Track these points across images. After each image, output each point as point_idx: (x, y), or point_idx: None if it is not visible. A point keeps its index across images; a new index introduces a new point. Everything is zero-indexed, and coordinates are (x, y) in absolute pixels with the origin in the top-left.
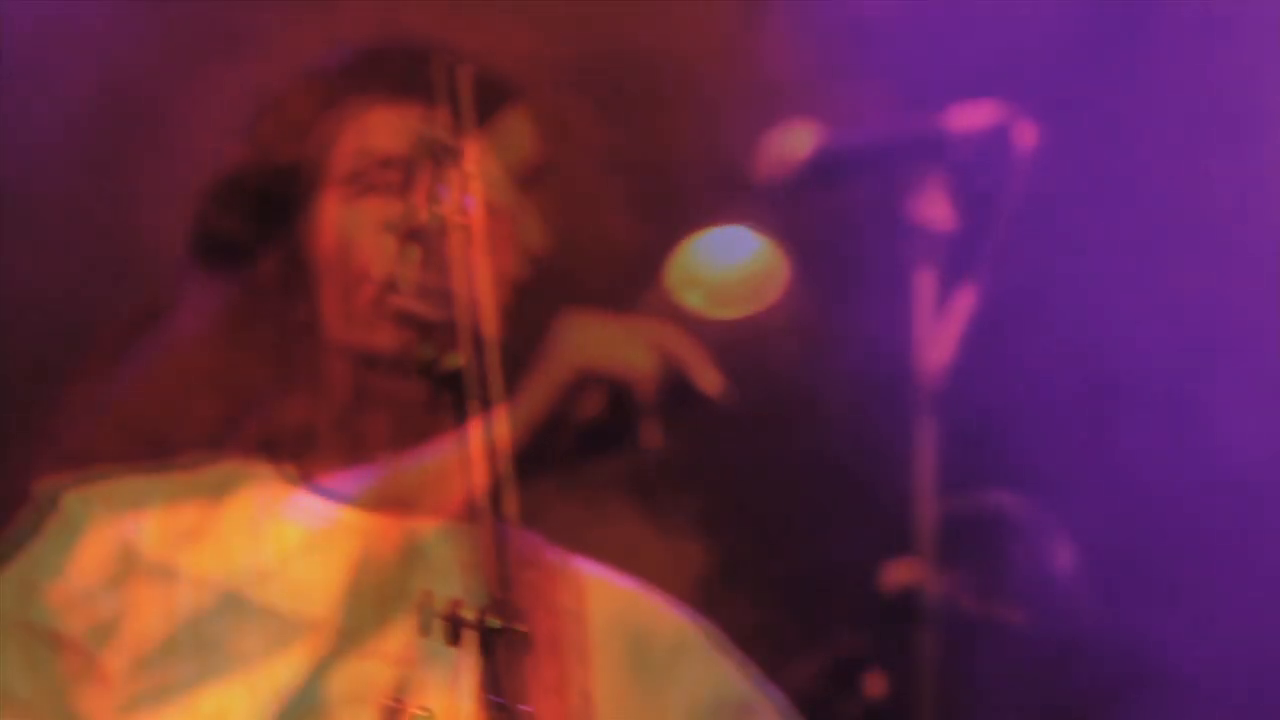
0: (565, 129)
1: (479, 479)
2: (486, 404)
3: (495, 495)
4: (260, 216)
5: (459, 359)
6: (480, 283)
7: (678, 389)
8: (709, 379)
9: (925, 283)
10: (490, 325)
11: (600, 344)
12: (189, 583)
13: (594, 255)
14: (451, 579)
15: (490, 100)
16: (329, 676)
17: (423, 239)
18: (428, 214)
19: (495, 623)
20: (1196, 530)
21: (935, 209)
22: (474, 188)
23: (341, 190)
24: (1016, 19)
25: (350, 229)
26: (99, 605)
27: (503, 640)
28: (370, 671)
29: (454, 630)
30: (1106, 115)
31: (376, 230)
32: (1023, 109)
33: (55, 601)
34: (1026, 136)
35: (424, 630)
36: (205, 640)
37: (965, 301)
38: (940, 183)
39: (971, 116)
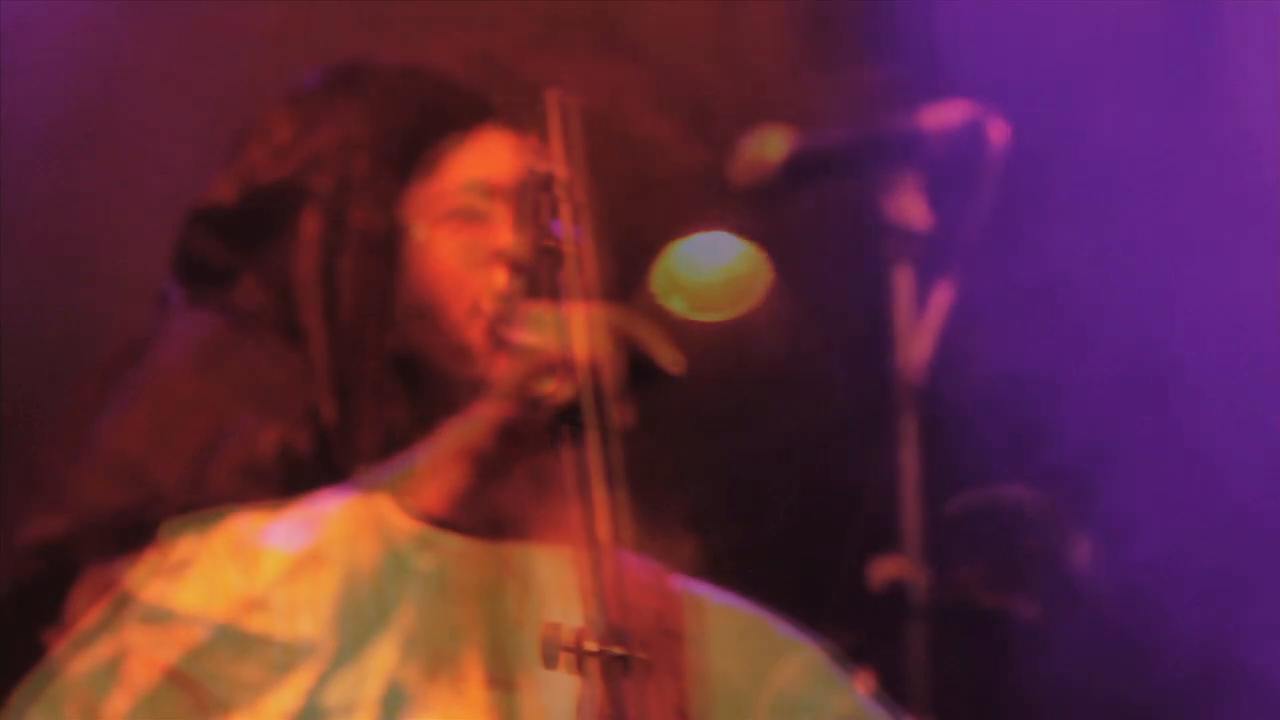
0: (659, 149)
1: (596, 504)
2: (600, 428)
3: (611, 520)
4: (245, 241)
5: (553, 384)
6: (588, 308)
7: (639, 369)
8: (668, 356)
9: (904, 280)
10: (602, 350)
11: (560, 332)
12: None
13: None
14: (558, 604)
15: (469, 117)
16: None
17: (528, 268)
18: (535, 243)
19: (615, 650)
20: (1272, 523)
21: (911, 207)
22: (583, 217)
23: (442, 222)
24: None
25: (453, 260)
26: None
27: (622, 667)
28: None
29: (577, 659)
30: (1165, 102)
31: (480, 260)
32: (1066, 94)
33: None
34: (999, 133)
35: (549, 662)
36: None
37: (944, 298)
38: (915, 181)
39: (945, 114)
